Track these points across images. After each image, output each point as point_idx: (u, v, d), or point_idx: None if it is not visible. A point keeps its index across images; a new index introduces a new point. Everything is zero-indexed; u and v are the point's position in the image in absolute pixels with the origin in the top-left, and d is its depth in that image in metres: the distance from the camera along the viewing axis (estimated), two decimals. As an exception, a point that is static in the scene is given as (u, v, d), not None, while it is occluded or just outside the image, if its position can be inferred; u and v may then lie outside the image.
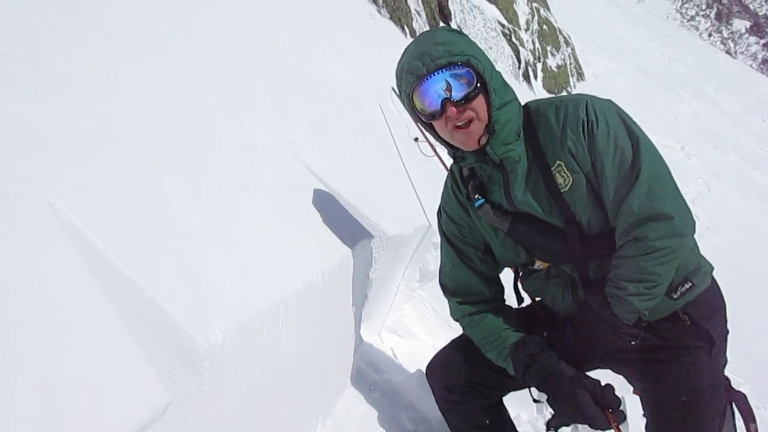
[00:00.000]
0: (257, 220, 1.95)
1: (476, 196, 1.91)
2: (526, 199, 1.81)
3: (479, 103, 1.70)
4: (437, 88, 1.68)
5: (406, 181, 2.80)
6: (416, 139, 2.75)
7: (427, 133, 1.92)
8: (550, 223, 1.82)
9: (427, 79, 1.68)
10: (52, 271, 1.28)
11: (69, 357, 1.18)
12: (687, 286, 1.80)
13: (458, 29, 8.74)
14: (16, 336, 1.12)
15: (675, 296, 1.80)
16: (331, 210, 2.35)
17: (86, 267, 1.33)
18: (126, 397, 1.22)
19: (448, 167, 2.11)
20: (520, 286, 2.09)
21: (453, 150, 1.86)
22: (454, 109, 1.69)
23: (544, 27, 12.49)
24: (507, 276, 2.11)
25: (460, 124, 1.71)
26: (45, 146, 1.51)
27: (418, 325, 3.33)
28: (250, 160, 2.23)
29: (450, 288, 2.09)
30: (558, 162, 1.75)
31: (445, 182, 2.08)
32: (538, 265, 1.94)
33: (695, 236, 1.82)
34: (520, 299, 2.12)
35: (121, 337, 1.29)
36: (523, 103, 1.86)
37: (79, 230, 1.38)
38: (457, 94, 1.68)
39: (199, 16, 3.13)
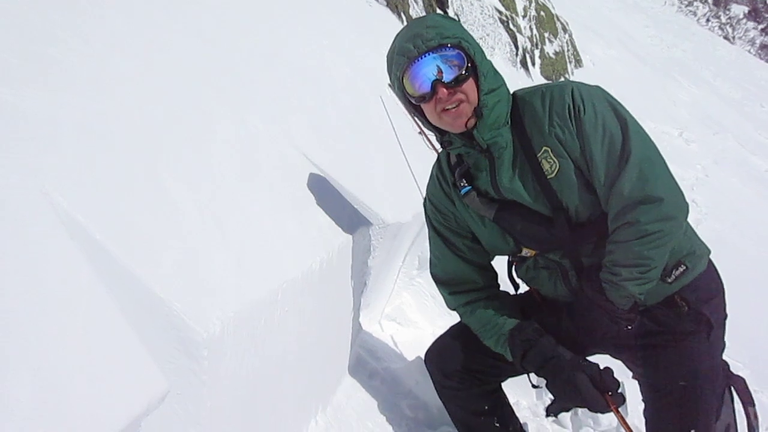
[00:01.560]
0: (256, 210, 1.95)
1: (462, 183, 1.90)
2: (513, 186, 1.81)
3: (469, 85, 1.71)
4: (428, 70, 1.69)
5: (405, 169, 2.80)
6: (420, 132, 2.75)
7: (417, 120, 1.92)
8: (537, 211, 1.81)
9: (418, 60, 1.68)
10: (49, 261, 1.28)
11: (67, 346, 1.18)
12: (681, 269, 1.80)
13: (456, 17, 8.67)
14: (14, 327, 1.12)
15: (669, 280, 1.80)
16: (330, 198, 2.35)
17: (84, 257, 1.33)
18: (124, 386, 1.22)
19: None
20: (514, 273, 2.09)
21: (441, 135, 1.86)
22: (444, 90, 1.69)
23: (542, 13, 12.43)
24: (502, 262, 2.11)
25: (449, 107, 1.71)
26: (43, 138, 1.51)
27: (417, 313, 3.33)
28: (249, 151, 2.22)
29: (441, 278, 2.09)
30: (544, 148, 1.75)
31: (431, 172, 2.08)
32: (526, 252, 1.94)
33: (691, 220, 1.82)
34: (515, 286, 2.12)
35: (120, 326, 1.30)
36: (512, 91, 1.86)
37: (76, 221, 1.38)
38: (448, 75, 1.68)
39: (198, 9, 3.11)
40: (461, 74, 1.68)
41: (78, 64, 1.88)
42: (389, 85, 1.84)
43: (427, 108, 1.76)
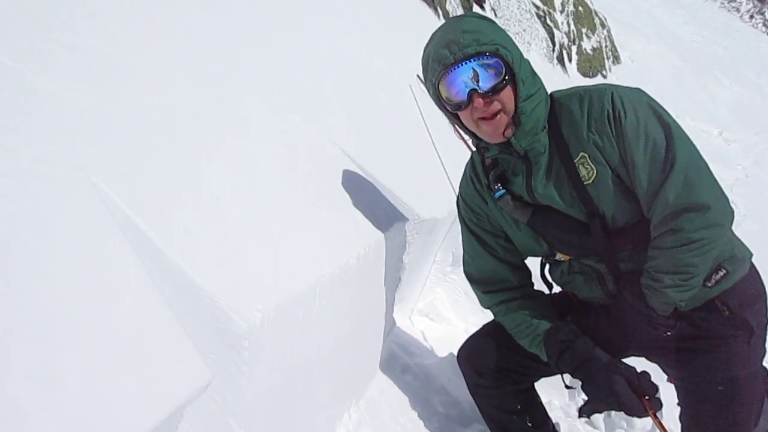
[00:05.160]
0: (294, 204, 1.97)
1: (497, 186, 1.88)
2: (548, 191, 1.78)
3: (506, 94, 1.67)
4: (464, 77, 1.64)
5: (439, 164, 2.80)
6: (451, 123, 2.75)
7: (454, 124, 1.90)
8: (572, 217, 1.79)
9: (454, 69, 1.64)
10: (97, 251, 1.31)
11: (114, 336, 1.22)
12: (721, 273, 1.76)
13: (493, 12, 8.58)
14: (63, 316, 1.16)
15: (709, 284, 1.77)
16: (366, 194, 2.36)
17: (130, 248, 1.37)
18: (169, 376, 1.26)
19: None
20: (547, 274, 2.07)
21: (477, 140, 1.83)
22: (480, 100, 1.65)
23: (580, 8, 12.27)
24: (535, 261, 2.09)
25: (486, 116, 1.68)
26: (89, 129, 1.55)
27: (450, 309, 3.33)
28: (287, 145, 2.24)
29: (475, 277, 2.07)
30: (582, 154, 1.72)
31: (464, 170, 2.05)
32: (560, 257, 1.92)
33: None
34: (549, 286, 2.10)
35: (164, 316, 1.33)
36: (549, 92, 1.83)
37: (123, 212, 1.41)
38: (485, 84, 1.64)
39: (237, 3, 3.15)
40: (498, 83, 1.64)
41: (125, 57, 1.92)
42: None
43: (463, 115, 1.73)
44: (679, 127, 1.68)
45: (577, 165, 1.73)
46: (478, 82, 1.64)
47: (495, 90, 1.65)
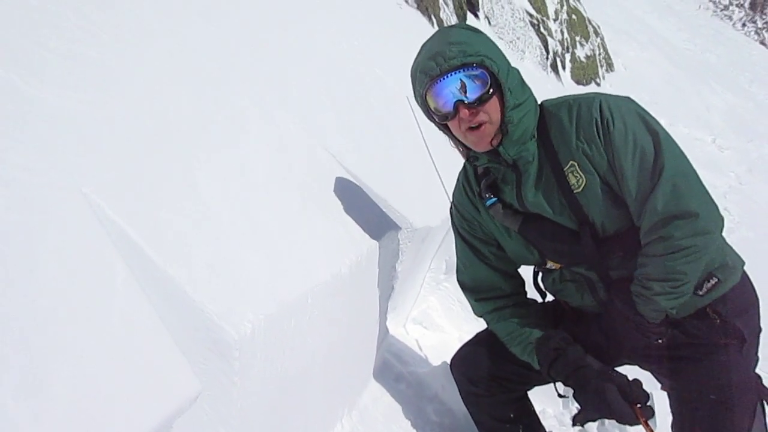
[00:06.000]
0: (287, 212, 1.97)
1: (488, 195, 1.89)
2: (537, 200, 1.79)
3: (492, 104, 1.68)
4: (451, 89, 1.66)
5: (433, 171, 2.80)
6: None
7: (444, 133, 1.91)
8: (562, 225, 1.79)
9: (440, 80, 1.66)
10: (86, 261, 1.31)
11: (103, 345, 1.21)
12: (713, 282, 1.76)
13: (486, 20, 8.59)
14: (51, 325, 1.15)
15: (701, 293, 1.77)
16: (359, 202, 2.36)
17: (120, 257, 1.36)
18: (158, 386, 1.25)
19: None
20: (540, 282, 2.07)
21: (467, 150, 1.84)
22: (467, 110, 1.67)
23: (573, 16, 12.31)
24: (528, 270, 2.09)
25: (473, 126, 1.70)
26: (80, 137, 1.54)
27: (444, 317, 3.33)
28: (280, 152, 2.24)
29: (468, 285, 2.08)
30: (571, 162, 1.73)
31: (458, 178, 2.07)
32: (551, 265, 1.92)
33: (723, 231, 1.78)
34: (542, 294, 2.10)
35: (154, 326, 1.32)
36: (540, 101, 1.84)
37: (113, 221, 1.41)
38: (471, 95, 1.66)
39: (231, 9, 3.15)
40: (484, 94, 1.66)
41: (116, 65, 1.91)
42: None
43: (451, 125, 1.74)
44: (667, 134, 1.68)
45: (566, 173, 1.74)
46: (465, 93, 1.66)
47: (481, 101, 1.67)
